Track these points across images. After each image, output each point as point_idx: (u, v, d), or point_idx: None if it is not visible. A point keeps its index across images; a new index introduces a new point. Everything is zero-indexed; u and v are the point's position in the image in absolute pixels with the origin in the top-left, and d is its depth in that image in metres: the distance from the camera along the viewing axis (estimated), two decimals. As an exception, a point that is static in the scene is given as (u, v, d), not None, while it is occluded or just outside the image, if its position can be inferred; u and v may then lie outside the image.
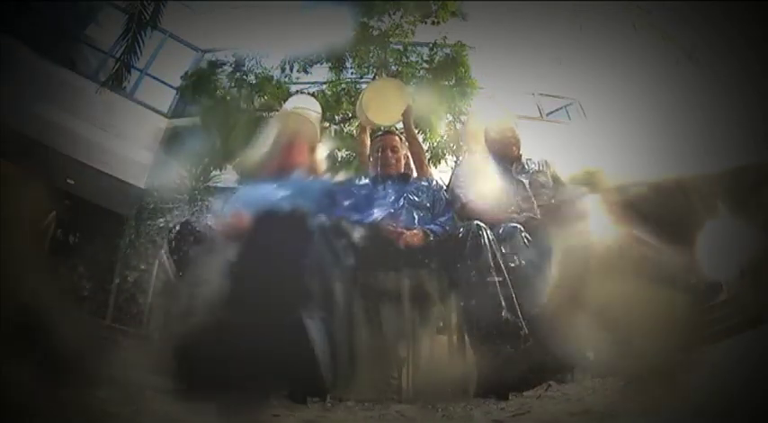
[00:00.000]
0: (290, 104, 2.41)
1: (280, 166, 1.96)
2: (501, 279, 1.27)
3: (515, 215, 1.69)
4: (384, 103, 2.28)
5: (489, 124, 2.05)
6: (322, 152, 2.39)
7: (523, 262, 1.40)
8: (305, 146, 2.08)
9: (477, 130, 2.29)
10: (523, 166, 1.96)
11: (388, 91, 2.36)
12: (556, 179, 1.96)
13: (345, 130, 5.11)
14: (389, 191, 1.77)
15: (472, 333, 1.35)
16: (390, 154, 1.88)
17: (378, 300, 1.48)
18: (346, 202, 1.76)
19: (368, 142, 2.52)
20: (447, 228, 1.66)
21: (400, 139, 1.96)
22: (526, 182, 1.88)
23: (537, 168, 1.97)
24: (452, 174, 2.05)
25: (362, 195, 1.78)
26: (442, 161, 4.73)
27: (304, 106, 2.35)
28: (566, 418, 0.77)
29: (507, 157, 1.94)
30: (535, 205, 1.81)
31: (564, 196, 1.78)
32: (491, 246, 1.31)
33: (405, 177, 1.86)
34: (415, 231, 1.55)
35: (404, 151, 1.93)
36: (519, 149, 1.98)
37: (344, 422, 0.85)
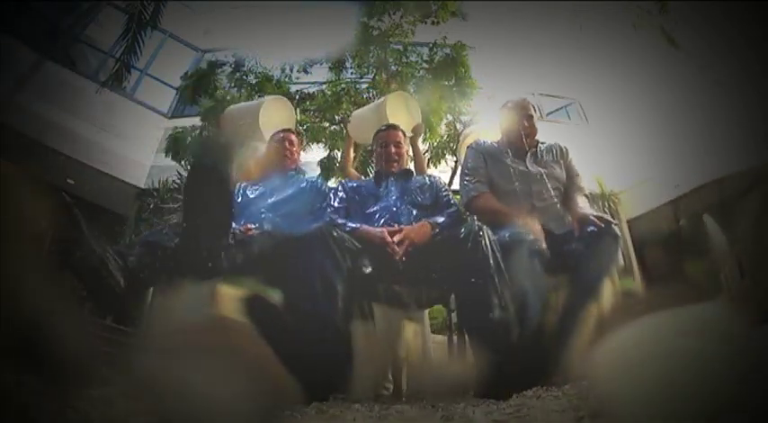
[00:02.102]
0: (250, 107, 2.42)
1: (276, 165, 1.94)
2: (501, 280, 1.26)
3: (529, 216, 1.58)
4: (400, 114, 2.31)
5: (504, 112, 1.92)
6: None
7: (528, 265, 1.37)
8: (298, 142, 2.08)
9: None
10: (536, 157, 1.83)
11: (405, 105, 2.42)
12: (570, 171, 1.84)
13: (345, 130, 5.11)
14: (391, 189, 1.74)
15: (471, 333, 1.35)
16: (394, 149, 1.85)
17: (377, 301, 1.48)
18: (348, 201, 1.74)
19: (352, 157, 2.60)
20: (454, 218, 1.63)
21: (403, 134, 1.93)
22: (544, 173, 1.76)
23: (552, 159, 1.84)
24: (463, 159, 1.91)
25: (364, 194, 1.76)
26: (442, 161, 4.73)
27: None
28: (568, 419, 0.77)
29: (522, 147, 1.83)
30: (554, 202, 1.72)
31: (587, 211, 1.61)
32: (492, 247, 1.30)
33: (407, 174, 1.84)
34: (421, 224, 1.52)
35: (406, 147, 1.92)
36: (533, 139, 1.85)
37: (344, 421, 0.85)
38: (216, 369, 0.81)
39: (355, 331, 1.25)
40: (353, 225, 1.52)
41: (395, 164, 1.83)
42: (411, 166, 2.11)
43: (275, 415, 0.82)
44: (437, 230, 1.52)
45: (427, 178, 1.85)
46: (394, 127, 1.95)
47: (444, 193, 1.78)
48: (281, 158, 1.95)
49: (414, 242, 1.44)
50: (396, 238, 1.44)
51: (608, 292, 1.61)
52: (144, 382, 0.80)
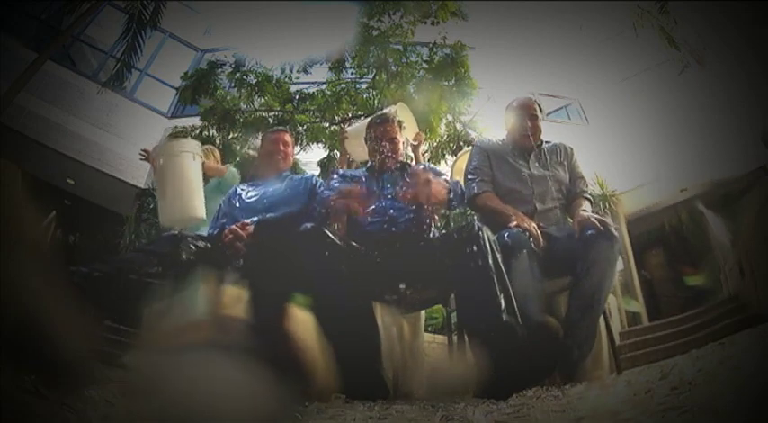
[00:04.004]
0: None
1: (270, 166, 1.90)
2: (501, 281, 1.26)
3: (529, 217, 1.57)
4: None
5: (509, 111, 1.89)
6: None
7: (527, 266, 1.37)
8: (292, 141, 2.04)
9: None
10: (540, 157, 1.80)
11: (405, 117, 2.44)
12: (573, 173, 1.82)
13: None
14: (387, 186, 1.68)
15: (471, 334, 1.34)
16: (388, 146, 1.74)
17: (375, 300, 1.47)
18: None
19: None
20: (459, 188, 1.63)
21: (399, 126, 1.81)
22: (547, 174, 1.74)
23: (557, 159, 1.81)
24: (468, 158, 1.87)
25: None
26: (442, 161, 4.73)
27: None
28: (568, 419, 0.77)
29: (525, 147, 1.80)
30: (555, 204, 1.71)
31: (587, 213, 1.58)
32: (492, 247, 1.30)
33: (402, 168, 1.75)
34: (439, 184, 1.49)
35: (402, 138, 1.81)
36: (537, 139, 1.81)
37: (344, 421, 0.85)
38: (220, 368, 0.81)
39: (354, 331, 1.25)
40: (328, 193, 1.53)
41: (388, 160, 1.74)
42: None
43: (282, 415, 0.81)
44: (449, 188, 1.52)
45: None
46: (388, 120, 1.82)
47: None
48: (275, 160, 1.89)
49: (435, 198, 1.44)
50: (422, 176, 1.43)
51: (612, 304, 1.61)
52: (145, 381, 0.80)
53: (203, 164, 2.35)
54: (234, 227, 1.49)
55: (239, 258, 1.44)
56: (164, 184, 2.21)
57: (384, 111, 2.49)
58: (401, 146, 1.78)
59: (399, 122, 1.83)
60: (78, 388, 0.73)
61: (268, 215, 1.65)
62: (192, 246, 1.39)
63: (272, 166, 1.89)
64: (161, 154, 2.24)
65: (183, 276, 1.35)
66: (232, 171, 2.46)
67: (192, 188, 2.20)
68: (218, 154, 2.80)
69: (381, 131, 1.78)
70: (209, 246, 1.46)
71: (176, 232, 1.49)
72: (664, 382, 0.88)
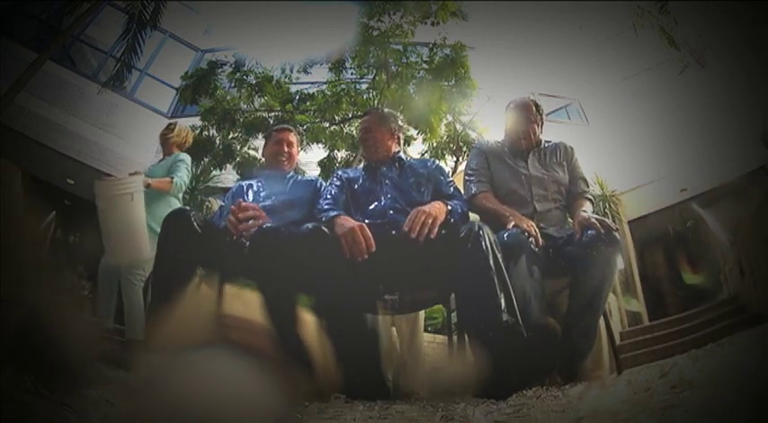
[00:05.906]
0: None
1: (274, 167, 1.89)
2: (501, 281, 1.26)
3: (528, 217, 1.56)
4: None
5: (508, 112, 1.88)
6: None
7: (526, 266, 1.37)
8: (297, 141, 2.01)
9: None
10: (539, 158, 1.79)
11: None
12: (573, 173, 1.81)
13: (345, 131, 5.12)
14: (386, 183, 1.65)
15: (471, 333, 1.34)
16: (362, 135, 1.74)
17: (377, 300, 1.47)
18: (345, 191, 1.66)
19: None
20: (464, 208, 1.59)
21: (379, 118, 1.76)
22: (546, 175, 1.75)
23: (556, 160, 1.81)
24: (468, 158, 1.88)
25: (359, 191, 1.67)
26: (442, 161, 4.73)
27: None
28: (568, 419, 0.77)
29: (523, 147, 1.80)
30: (554, 205, 1.71)
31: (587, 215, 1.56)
32: (492, 247, 1.30)
33: (399, 164, 1.71)
34: (437, 206, 1.44)
35: (384, 130, 1.74)
36: (536, 139, 1.81)
37: (344, 421, 0.85)
38: (221, 369, 0.81)
39: (355, 331, 1.25)
40: (333, 213, 1.49)
41: (375, 152, 1.71)
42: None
43: (282, 415, 0.81)
44: (449, 208, 1.47)
45: (425, 168, 1.73)
46: (366, 113, 1.86)
47: (446, 186, 1.69)
48: (279, 161, 1.86)
49: (437, 220, 1.38)
50: (420, 219, 1.37)
51: (612, 304, 1.60)
52: (145, 381, 0.80)
53: (149, 185, 2.35)
54: (252, 204, 1.47)
55: (243, 243, 1.42)
56: (106, 226, 2.26)
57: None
58: (379, 137, 1.72)
59: (379, 113, 1.81)
60: (78, 388, 0.73)
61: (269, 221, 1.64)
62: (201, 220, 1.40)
63: (277, 166, 1.86)
64: (99, 197, 2.29)
65: (185, 274, 1.35)
66: (177, 183, 2.49)
67: (134, 230, 2.25)
68: (189, 137, 2.79)
69: (361, 124, 1.79)
70: (215, 233, 1.45)
71: (186, 207, 1.49)
72: (663, 381, 0.88)
